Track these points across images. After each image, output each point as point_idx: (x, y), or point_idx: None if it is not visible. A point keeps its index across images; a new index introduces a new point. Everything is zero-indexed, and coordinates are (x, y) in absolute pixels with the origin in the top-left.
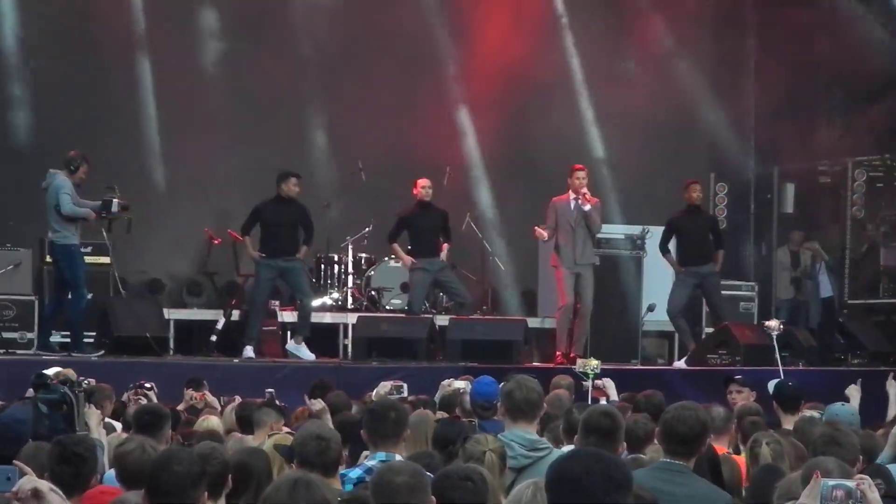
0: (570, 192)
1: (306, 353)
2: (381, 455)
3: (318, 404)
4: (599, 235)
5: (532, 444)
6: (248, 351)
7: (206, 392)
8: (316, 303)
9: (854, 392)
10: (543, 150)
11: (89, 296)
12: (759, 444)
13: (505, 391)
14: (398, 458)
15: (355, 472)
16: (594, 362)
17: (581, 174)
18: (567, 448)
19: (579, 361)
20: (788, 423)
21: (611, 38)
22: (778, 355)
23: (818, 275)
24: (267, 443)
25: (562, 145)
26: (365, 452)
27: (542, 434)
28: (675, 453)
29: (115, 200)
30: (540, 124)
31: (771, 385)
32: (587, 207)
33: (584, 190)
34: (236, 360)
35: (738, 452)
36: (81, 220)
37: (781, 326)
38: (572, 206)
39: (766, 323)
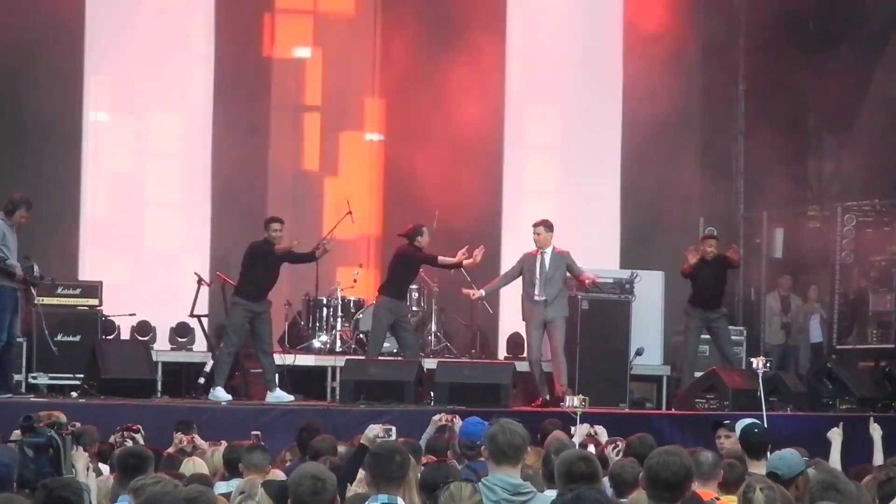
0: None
1: (285, 396)
2: (384, 497)
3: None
4: None
5: (515, 488)
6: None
7: (195, 435)
8: (305, 346)
9: (836, 436)
10: (529, 196)
11: (77, 338)
12: (752, 490)
13: (488, 435)
14: (400, 501)
15: None
16: (579, 400)
17: (537, 230)
18: (549, 493)
19: (567, 398)
20: (755, 468)
21: (596, 81)
22: (762, 394)
23: (810, 320)
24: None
25: (544, 192)
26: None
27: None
28: (659, 499)
29: (35, 266)
30: (522, 173)
31: (738, 426)
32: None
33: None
34: (224, 403)
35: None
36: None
37: (768, 365)
38: (538, 262)
39: (753, 360)
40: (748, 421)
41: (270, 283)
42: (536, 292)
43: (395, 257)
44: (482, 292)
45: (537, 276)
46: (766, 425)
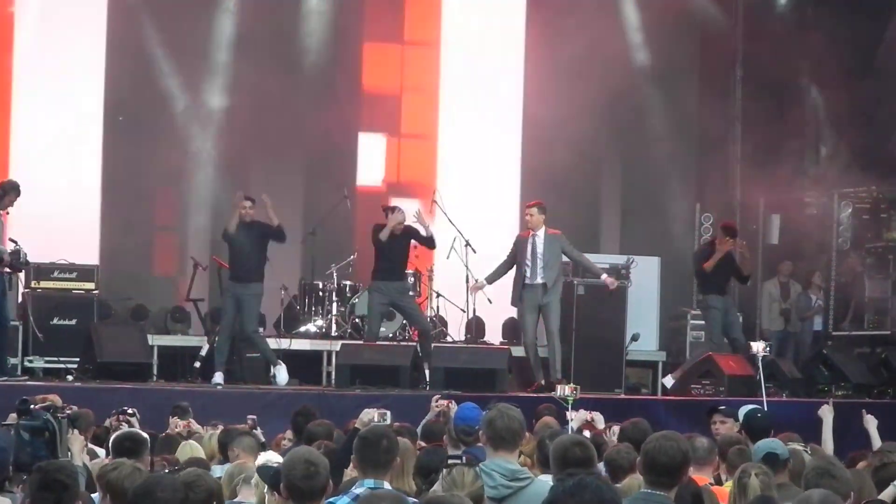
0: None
1: (284, 375)
2: (370, 482)
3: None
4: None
5: (513, 473)
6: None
7: (192, 420)
8: (301, 330)
9: (826, 412)
10: (528, 179)
11: (73, 321)
12: (747, 475)
13: (486, 419)
14: (386, 485)
15: (343, 501)
16: (570, 389)
17: (529, 211)
18: (543, 477)
19: (558, 388)
20: None
21: (594, 61)
22: (762, 378)
23: (814, 307)
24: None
25: (545, 175)
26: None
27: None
28: (657, 484)
29: (22, 251)
30: (526, 155)
31: (741, 412)
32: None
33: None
34: (220, 387)
35: (719, 483)
36: None
37: (768, 349)
38: (529, 244)
39: (752, 344)
40: (751, 406)
41: (249, 261)
42: (529, 275)
43: None
44: (483, 282)
45: (528, 258)
46: (764, 408)
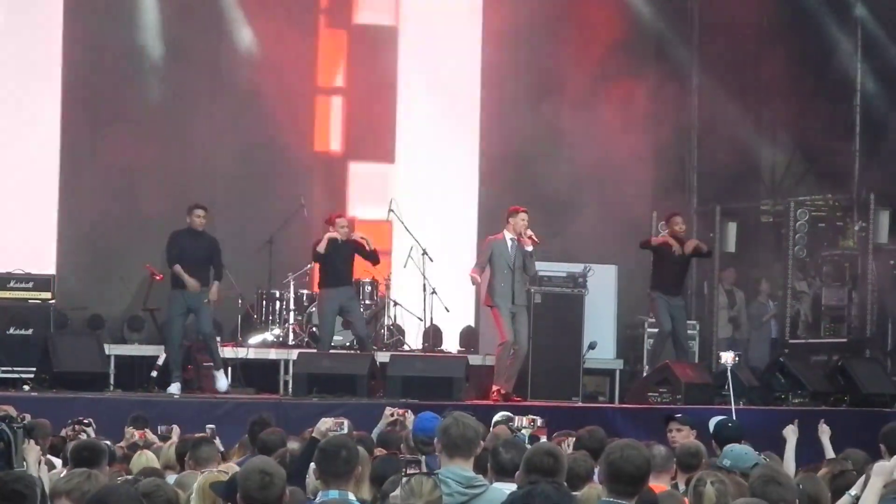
0: (506, 231)
1: (223, 382)
2: (335, 493)
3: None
4: (542, 273)
5: (468, 481)
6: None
7: (147, 431)
8: (256, 339)
9: (790, 433)
10: (487, 187)
11: (29, 331)
12: (703, 483)
13: (441, 427)
14: (350, 496)
15: None
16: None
17: (524, 216)
18: (497, 485)
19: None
20: None
21: (551, 76)
22: (731, 387)
23: (765, 315)
24: (199, 479)
25: (504, 184)
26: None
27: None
28: (620, 493)
29: None
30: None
31: (712, 423)
32: (529, 248)
33: (530, 232)
34: (176, 396)
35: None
36: None
37: (737, 358)
38: (510, 246)
39: (722, 354)
40: (720, 417)
41: (202, 269)
42: (508, 281)
43: None
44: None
45: (512, 261)
46: (735, 418)
